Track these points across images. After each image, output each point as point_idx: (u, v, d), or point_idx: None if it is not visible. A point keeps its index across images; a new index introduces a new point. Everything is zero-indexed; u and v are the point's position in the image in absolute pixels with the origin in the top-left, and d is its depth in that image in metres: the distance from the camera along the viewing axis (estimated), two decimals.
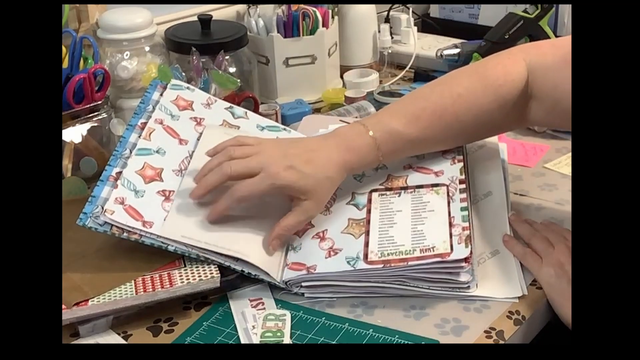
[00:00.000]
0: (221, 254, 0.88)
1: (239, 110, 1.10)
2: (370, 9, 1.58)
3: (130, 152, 0.95)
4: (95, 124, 1.15)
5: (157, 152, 0.97)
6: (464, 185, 0.96)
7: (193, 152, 0.99)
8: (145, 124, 0.99)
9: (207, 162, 0.93)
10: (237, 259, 0.88)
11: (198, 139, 1.01)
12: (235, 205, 0.90)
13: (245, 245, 0.90)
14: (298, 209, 0.91)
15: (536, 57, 0.99)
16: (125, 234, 0.87)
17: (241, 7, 1.50)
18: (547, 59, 0.98)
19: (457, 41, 1.57)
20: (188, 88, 1.08)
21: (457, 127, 0.98)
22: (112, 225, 0.87)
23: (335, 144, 0.94)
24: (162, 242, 0.87)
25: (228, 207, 0.90)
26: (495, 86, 0.97)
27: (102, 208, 0.87)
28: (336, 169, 0.93)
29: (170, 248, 0.88)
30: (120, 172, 0.92)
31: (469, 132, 1.01)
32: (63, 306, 0.82)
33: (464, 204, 0.93)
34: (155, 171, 0.94)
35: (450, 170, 0.99)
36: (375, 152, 0.95)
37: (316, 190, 0.91)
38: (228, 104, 1.10)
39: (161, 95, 1.04)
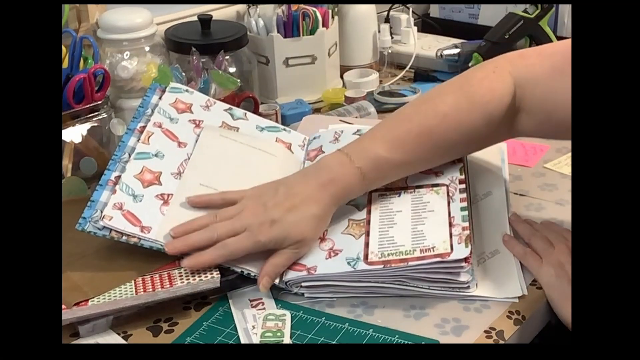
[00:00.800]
0: None
1: (238, 111, 1.09)
2: (370, 9, 1.57)
3: (129, 156, 0.95)
4: (95, 124, 1.15)
5: (156, 155, 0.97)
6: (463, 185, 0.96)
7: (191, 154, 0.99)
8: (144, 127, 0.99)
9: (193, 221, 0.91)
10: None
11: (197, 141, 1.01)
12: (220, 262, 0.88)
13: None
14: (287, 249, 0.89)
15: (524, 69, 0.96)
16: (124, 237, 0.87)
17: (241, 7, 1.50)
18: (535, 69, 0.95)
19: (457, 41, 1.58)
20: (187, 91, 1.07)
21: (444, 147, 0.96)
22: (111, 229, 0.87)
23: (316, 180, 0.92)
24: (161, 245, 0.88)
25: (212, 263, 0.88)
26: (481, 103, 0.95)
27: (101, 213, 0.87)
28: (321, 206, 0.91)
29: None
30: (119, 177, 0.92)
31: (457, 149, 0.99)
32: (63, 306, 0.82)
33: (464, 204, 0.93)
34: (153, 175, 0.94)
35: (450, 170, 0.99)
36: (361, 182, 0.93)
37: (301, 232, 0.90)
38: (227, 106, 1.09)
39: (160, 98, 1.04)
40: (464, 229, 0.89)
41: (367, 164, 0.93)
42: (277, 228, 0.89)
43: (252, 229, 0.89)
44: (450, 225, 0.90)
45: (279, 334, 0.82)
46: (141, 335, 0.85)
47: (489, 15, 1.68)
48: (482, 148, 1.04)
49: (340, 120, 1.24)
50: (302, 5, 1.40)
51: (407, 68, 1.58)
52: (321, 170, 0.94)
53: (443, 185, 0.97)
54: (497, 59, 1.00)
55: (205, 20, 1.32)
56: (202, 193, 0.95)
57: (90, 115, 1.14)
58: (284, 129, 1.11)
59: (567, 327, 0.85)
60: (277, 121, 1.28)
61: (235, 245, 0.88)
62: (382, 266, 0.87)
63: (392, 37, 1.61)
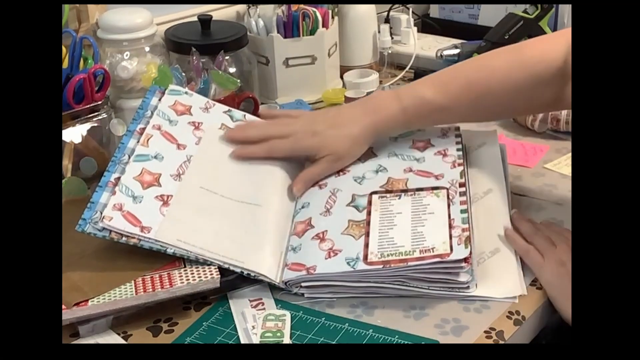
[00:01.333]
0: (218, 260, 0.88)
1: (237, 113, 1.09)
2: (370, 9, 1.57)
3: (129, 157, 0.95)
4: (95, 124, 1.15)
5: (155, 157, 0.97)
6: (463, 189, 0.96)
7: (192, 156, 0.99)
8: (143, 129, 0.99)
9: (251, 122, 1.08)
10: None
11: (196, 144, 1.01)
12: (261, 155, 1.02)
13: (241, 251, 0.90)
14: (321, 160, 1.01)
15: None
16: (124, 238, 0.87)
17: (241, 7, 1.50)
18: None
19: (457, 41, 1.57)
20: (186, 93, 1.07)
21: (487, 101, 1.00)
22: (111, 230, 0.87)
23: (363, 107, 1.03)
24: (160, 246, 0.88)
25: (254, 155, 1.02)
26: (530, 63, 0.97)
27: (101, 214, 0.87)
28: (359, 127, 1.01)
29: (169, 251, 0.88)
30: (118, 178, 0.92)
31: (500, 106, 1.02)
32: (63, 306, 0.82)
33: (464, 207, 0.93)
34: (153, 177, 0.94)
35: (450, 173, 0.99)
36: (401, 116, 1.01)
37: (336, 146, 1.01)
38: (227, 108, 1.09)
39: (159, 100, 1.04)
40: (463, 230, 0.89)
41: (411, 101, 1.01)
42: (316, 138, 1.02)
43: (297, 135, 1.03)
44: (450, 227, 0.90)
45: (278, 334, 0.82)
46: (141, 335, 0.85)
47: (489, 16, 1.68)
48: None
49: None
50: (302, 6, 1.40)
51: (407, 68, 1.58)
52: (369, 100, 1.05)
53: (443, 188, 0.97)
54: (556, 32, 1.04)
55: (205, 21, 1.32)
56: (202, 196, 0.95)
57: (90, 115, 1.14)
58: None
59: (566, 329, 0.85)
60: None
61: (278, 144, 1.03)
62: (381, 266, 0.87)
63: (392, 38, 1.61)
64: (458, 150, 1.03)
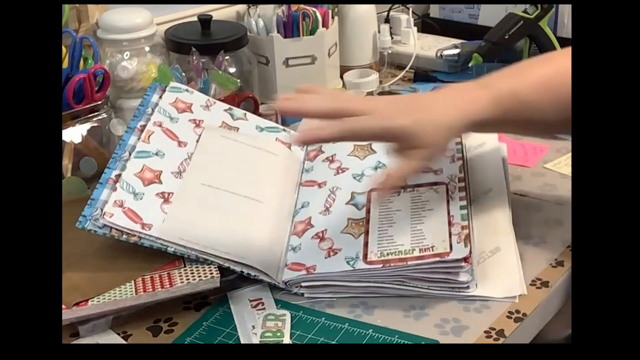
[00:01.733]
0: (220, 257, 0.88)
1: (238, 111, 1.10)
2: (370, 9, 1.57)
3: (130, 154, 0.95)
4: (95, 124, 1.15)
5: (156, 154, 0.97)
6: (463, 184, 0.96)
7: (192, 154, 0.99)
8: (144, 126, 0.99)
9: (318, 94, 0.85)
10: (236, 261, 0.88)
11: (197, 141, 1.01)
12: (337, 137, 0.81)
13: (244, 247, 0.90)
14: (412, 156, 0.81)
15: None
16: (124, 236, 0.87)
17: (241, 7, 1.50)
18: None
19: (457, 41, 1.57)
20: (187, 90, 1.08)
21: (566, 101, 0.84)
22: (111, 227, 0.87)
23: (454, 94, 0.86)
24: (161, 244, 0.88)
25: (330, 137, 0.80)
26: None
27: (102, 211, 0.87)
28: (457, 117, 0.82)
29: (170, 250, 0.88)
30: (119, 175, 0.92)
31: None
32: (63, 306, 0.82)
33: (463, 203, 0.93)
34: (154, 174, 0.94)
35: (449, 168, 0.99)
36: (494, 107, 0.84)
37: (433, 136, 0.81)
38: (227, 106, 1.10)
39: (160, 97, 1.04)
40: (463, 228, 0.89)
41: (500, 91, 0.86)
42: (409, 118, 0.79)
43: (382, 112, 0.80)
44: (450, 224, 0.90)
45: (278, 334, 0.82)
46: (141, 335, 0.85)
47: (489, 16, 1.68)
48: None
49: None
50: (302, 6, 1.40)
51: (407, 68, 1.58)
52: (456, 88, 0.88)
53: (442, 183, 0.97)
54: None
55: (205, 21, 1.32)
56: (203, 193, 0.95)
57: (90, 115, 1.14)
58: (284, 130, 1.11)
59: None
60: (277, 121, 1.27)
61: (361, 123, 0.78)
62: (381, 265, 0.87)
63: (392, 38, 1.61)
64: (457, 144, 1.03)
